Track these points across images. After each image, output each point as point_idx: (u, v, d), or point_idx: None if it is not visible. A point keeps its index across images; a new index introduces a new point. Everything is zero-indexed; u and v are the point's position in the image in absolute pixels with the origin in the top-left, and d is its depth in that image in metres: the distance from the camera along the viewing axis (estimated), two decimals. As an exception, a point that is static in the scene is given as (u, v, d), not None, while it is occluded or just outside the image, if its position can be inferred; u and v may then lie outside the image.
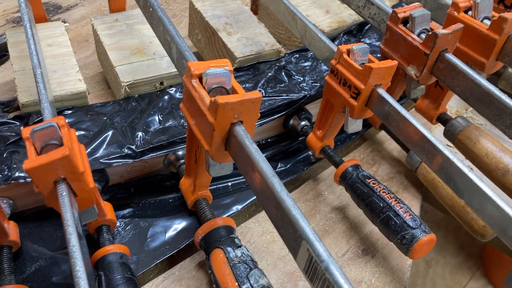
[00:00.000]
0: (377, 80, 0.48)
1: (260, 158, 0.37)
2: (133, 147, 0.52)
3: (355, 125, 0.52)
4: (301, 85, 0.62)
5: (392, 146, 0.66)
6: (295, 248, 0.32)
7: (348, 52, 0.49)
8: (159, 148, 0.53)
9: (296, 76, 0.64)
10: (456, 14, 0.54)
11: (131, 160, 0.51)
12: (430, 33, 0.50)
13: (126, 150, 0.51)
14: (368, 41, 0.70)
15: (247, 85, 0.62)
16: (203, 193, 0.51)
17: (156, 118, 0.56)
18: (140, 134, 0.53)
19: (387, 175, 0.62)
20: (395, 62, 0.48)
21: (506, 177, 0.55)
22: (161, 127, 0.55)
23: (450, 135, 0.61)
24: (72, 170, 0.36)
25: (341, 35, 0.71)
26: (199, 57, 0.77)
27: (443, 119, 0.63)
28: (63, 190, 0.35)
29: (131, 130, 0.54)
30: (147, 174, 0.56)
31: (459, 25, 0.51)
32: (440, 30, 0.49)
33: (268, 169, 0.36)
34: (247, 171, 0.38)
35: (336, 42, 0.69)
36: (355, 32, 0.72)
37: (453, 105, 0.76)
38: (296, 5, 0.75)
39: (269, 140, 0.63)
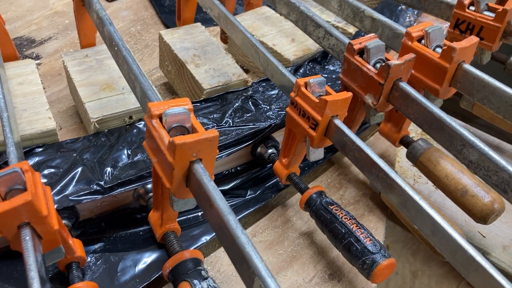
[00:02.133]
0: (333, 112, 0.50)
1: (217, 196, 0.38)
2: (102, 183, 0.53)
3: (316, 154, 0.54)
4: (267, 113, 0.64)
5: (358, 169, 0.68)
6: (249, 283, 0.34)
7: (306, 85, 0.51)
8: (127, 183, 0.54)
9: (262, 105, 0.66)
10: (409, 43, 0.56)
11: (100, 196, 0.52)
12: (383, 64, 0.52)
13: (94, 186, 0.53)
14: (332, 68, 0.73)
15: (215, 115, 0.64)
16: (171, 226, 0.52)
17: (125, 152, 0.57)
18: (108, 169, 0.55)
19: (353, 198, 0.63)
20: (349, 94, 0.50)
21: (465, 198, 0.58)
22: (129, 161, 0.56)
23: (412, 157, 0.64)
24: (36, 214, 0.37)
25: (306, 63, 0.73)
26: (170, 88, 0.78)
27: (405, 142, 0.65)
28: (26, 235, 0.37)
29: (100, 166, 0.55)
30: (118, 208, 0.58)
31: (411, 55, 0.53)
32: (392, 61, 0.52)
33: (224, 206, 0.37)
34: (205, 207, 0.39)
35: (301, 70, 0.72)
36: (319, 59, 0.74)
37: (419, 125, 0.79)
38: (262, 34, 0.77)
39: (238, 168, 0.65)
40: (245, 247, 0.34)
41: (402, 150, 0.73)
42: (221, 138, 0.60)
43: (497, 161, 0.45)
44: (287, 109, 0.54)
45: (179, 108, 0.43)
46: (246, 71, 0.82)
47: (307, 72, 0.72)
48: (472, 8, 0.66)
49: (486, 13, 0.65)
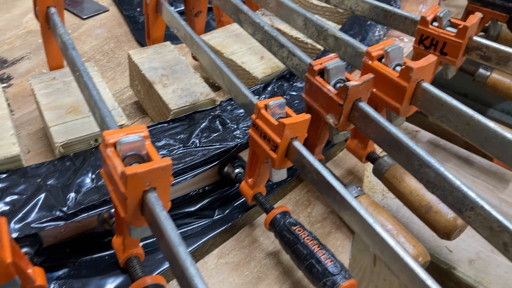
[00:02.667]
0: (292, 134, 0.50)
1: (168, 226, 0.38)
2: (65, 209, 0.53)
3: (279, 175, 0.54)
4: (234, 133, 0.64)
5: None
6: (197, 315, 0.34)
7: (266, 107, 0.52)
8: (91, 208, 0.54)
9: (230, 124, 0.66)
10: (370, 62, 0.57)
11: (62, 223, 0.52)
12: (342, 85, 0.52)
13: (57, 213, 0.52)
14: (300, 85, 0.73)
15: (182, 136, 0.64)
16: (134, 251, 0.52)
17: (90, 176, 0.57)
18: (72, 195, 0.55)
19: (321, 216, 0.64)
20: (307, 117, 0.50)
21: (429, 214, 0.58)
22: (94, 186, 0.56)
23: (378, 173, 0.64)
24: (-15, 250, 0.37)
25: (275, 80, 0.74)
26: (141, 107, 0.78)
27: (372, 158, 0.65)
28: (-25, 271, 0.36)
29: (63, 191, 0.55)
30: (83, 232, 0.58)
31: (369, 76, 0.54)
32: (350, 82, 0.52)
33: (174, 237, 0.37)
34: (158, 237, 0.40)
35: (269, 88, 0.72)
36: (288, 76, 0.75)
37: (389, 139, 0.79)
38: (232, 52, 0.78)
39: (206, 188, 0.65)
40: (193, 279, 0.34)
41: (371, 165, 0.74)
42: (186, 159, 0.61)
43: (451, 181, 0.45)
44: (249, 130, 0.54)
45: (134, 136, 0.43)
46: (218, 88, 0.82)
47: (275, 89, 0.72)
48: (435, 24, 0.66)
49: (449, 28, 0.66)
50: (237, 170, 0.63)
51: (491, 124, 0.49)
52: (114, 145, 0.43)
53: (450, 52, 0.65)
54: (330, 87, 0.55)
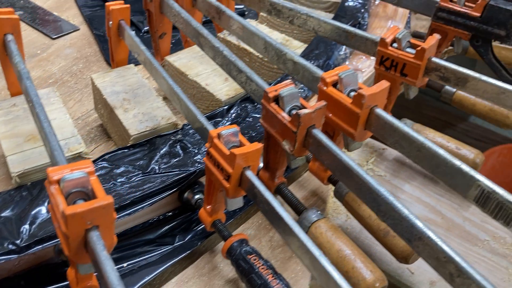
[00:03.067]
0: (245, 163, 0.50)
1: (108, 267, 0.38)
2: (18, 241, 0.52)
3: (234, 203, 0.54)
4: (195, 158, 0.64)
5: (289, 208, 0.68)
6: None
7: (219, 136, 0.52)
8: (46, 240, 0.54)
9: (191, 149, 0.66)
10: (324, 88, 0.57)
11: (15, 256, 0.52)
12: (294, 113, 0.53)
13: (9, 246, 0.52)
14: None
15: (141, 162, 0.64)
16: (88, 283, 0.51)
17: (46, 207, 0.57)
18: (26, 226, 0.54)
19: (282, 240, 0.64)
20: (259, 146, 0.50)
21: (387, 238, 0.58)
22: (49, 216, 0.56)
23: (339, 196, 0.64)
24: None
25: (238, 102, 0.73)
26: (104, 130, 0.78)
27: (333, 180, 0.66)
28: None
29: (17, 223, 0.54)
30: (39, 264, 0.57)
31: (321, 103, 0.54)
32: (303, 110, 0.52)
33: (113, 278, 0.37)
34: (99, 276, 0.39)
35: (232, 110, 0.72)
36: (252, 98, 0.75)
37: (355, 157, 0.80)
38: (196, 74, 0.78)
39: (167, 214, 0.65)
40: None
41: (337, 185, 0.74)
42: (145, 186, 0.60)
43: (400, 210, 0.46)
44: (204, 159, 0.54)
45: (78, 172, 0.43)
46: (185, 109, 0.82)
47: (239, 111, 0.72)
48: (395, 45, 0.67)
49: (408, 50, 0.66)
50: (197, 196, 0.63)
51: (441, 151, 0.49)
52: (58, 182, 0.43)
53: (410, 73, 0.66)
54: (285, 114, 0.55)
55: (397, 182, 0.76)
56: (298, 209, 0.62)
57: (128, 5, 0.73)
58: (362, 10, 0.97)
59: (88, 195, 0.43)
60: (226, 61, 0.64)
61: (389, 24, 0.98)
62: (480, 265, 0.65)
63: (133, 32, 0.71)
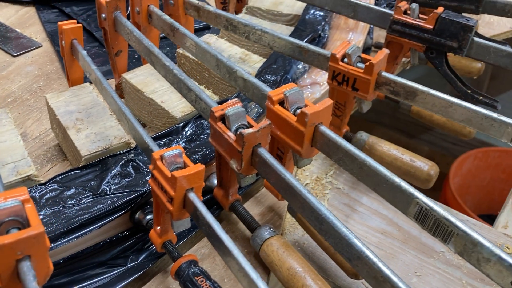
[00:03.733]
0: (188, 185, 0.50)
1: (35, 299, 0.37)
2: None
3: (180, 225, 0.54)
4: (147, 177, 0.64)
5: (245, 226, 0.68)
6: None
7: (162, 158, 0.51)
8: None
9: (143, 168, 0.65)
10: (271, 106, 0.57)
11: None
12: (238, 133, 0.53)
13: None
14: None
15: (92, 183, 0.63)
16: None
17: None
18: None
19: (236, 258, 0.63)
20: (201, 167, 0.50)
21: (337, 255, 0.58)
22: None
23: (292, 212, 0.65)
24: None
25: (194, 119, 0.73)
26: (61, 150, 0.77)
27: (287, 197, 0.66)
28: None
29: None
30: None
31: (265, 122, 0.54)
32: (247, 130, 0.52)
33: (39, 311, 0.36)
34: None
35: (187, 128, 0.72)
36: (207, 114, 0.75)
37: (315, 170, 0.80)
38: (153, 90, 0.77)
39: (120, 235, 0.64)
40: None
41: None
42: (94, 208, 0.60)
43: (339, 230, 0.46)
44: (149, 180, 0.54)
45: (11, 201, 0.42)
46: (144, 125, 0.82)
47: (194, 128, 0.72)
48: (346, 60, 0.67)
49: (359, 64, 0.66)
50: (148, 217, 0.62)
51: (381, 168, 0.49)
52: (-10, 211, 0.42)
53: (361, 87, 0.66)
54: (230, 134, 0.55)
55: (355, 195, 0.77)
56: (251, 226, 0.62)
57: (80, 25, 0.73)
58: (323, 23, 0.98)
59: (23, 224, 0.42)
60: (176, 79, 0.64)
61: (350, 36, 0.98)
62: (435, 277, 0.65)
63: (85, 52, 0.70)
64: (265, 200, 0.73)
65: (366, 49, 1.04)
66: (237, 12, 1.08)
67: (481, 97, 0.79)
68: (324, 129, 0.54)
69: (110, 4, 0.74)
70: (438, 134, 2.45)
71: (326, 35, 0.96)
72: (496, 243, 0.69)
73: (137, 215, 0.63)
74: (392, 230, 0.71)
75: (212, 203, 0.69)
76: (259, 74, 0.82)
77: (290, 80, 0.83)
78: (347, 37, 0.98)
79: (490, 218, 1.96)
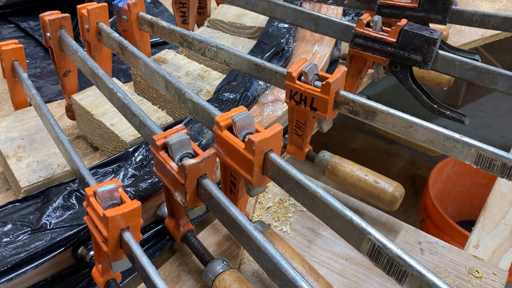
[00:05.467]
0: (122, 224, 0.45)
1: None
2: None
3: (119, 265, 0.49)
4: (92, 209, 0.59)
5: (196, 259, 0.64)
6: None
7: (95, 194, 0.47)
8: None
9: (89, 199, 0.61)
10: (219, 132, 0.53)
11: None
12: (179, 164, 0.49)
13: None
14: None
15: (31, 217, 0.58)
16: None
17: None
18: None
19: (186, 295, 0.59)
20: (137, 205, 0.46)
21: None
22: None
23: (248, 243, 0.60)
24: None
25: (144, 143, 0.69)
26: (5, 179, 0.72)
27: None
28: None
29: None
30: None
31: (210, 152, 0.50)
32: (189, 161, 0.48)
33: None
34: None
35: (137, 152, 0.67)
36: (160, 137, 0.70)
37: (278, 191, 0.76)
38: (103, 113, 0.73)
39: (62, 272, 0.59)
40: None
41: (256, 225, 0.70)
42: (31, 246, 0.55)
43: (286, 271, 0.42)
44: (85, 218, 0.49)
45: None
46: (96, 148, 0.77)
47: (145, 153, 0.67)
48: (303, 78, 0.64)
49: (317, 83, 0.63)
50: (92, 253, 0.58)
51: (332, 201, 0.46)
52: None
53: (319, 107, 0.63)
54: (173, 164, 0.51)
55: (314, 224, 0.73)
56: (204, 259, 0.58)
57: (21, 46, 0.68)
58: (287, 35, 0.94)
59: None
60: (121, 103, 0.60)
61: (315, 49, 0.95)
62: (401, 306, 0.62)
63: (25, 75, 0.66)
64: (222, 227, 0.69)
65: (334, 61, 1.01)
66: (199, 25, 1.04)
67: (448, 112, 0.76)
68: (274, 157, 0.51)
69: (54, 23, 0.70)
70: (417, 140, 2.43)
71: (291, 48, 0.92)
72: (465, 267, 0.66)
73: (79, 251, 0.58)
74: (356, 255, 0.67)
75: (165, 233, 0.65)
76: (218, 92, 0.78)
77: (251, 97, 0.79)
78: (313, 49, 0.95)
79: (471, 224, 1.95)
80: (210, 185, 0.49)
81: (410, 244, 0.69)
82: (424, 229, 1.90)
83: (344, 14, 1.13)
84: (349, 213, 0.44)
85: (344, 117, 0.70)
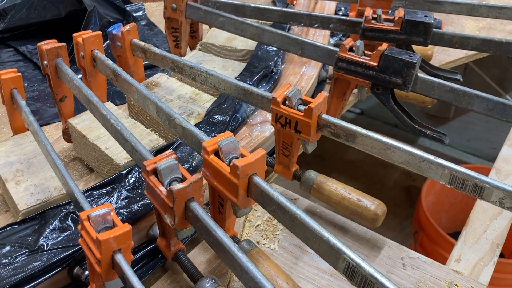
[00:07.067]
0: (114, 246, 0.48)
1: None
2: None
3: (112, 285, 0.52)
4: (87, 230, 0.62)
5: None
6: None
7: (88, 218, 0.50)
8: None
9: (84, 220, 0.64)
10: (206, 157, 0.56)
11: None
12: (168, 189, 0.52)
13: None
14: None
15: (29, 238, 0.61)
16: None
17: None
18: None
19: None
20: (127, 228, 0.49)
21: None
22: None
23: (236, 261, 0.63)
24: None
25: (137, 165, 0.72)
26: (4, 201, 0.75)
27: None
28: None
29: None
30: None
31: (197, 176, 0.53)
32: (176, 186, 0.52)
33: None
34: None
35: (130, 175, 0.70)
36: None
37: (260, 213, 0.79)
38: (98, 136, 0.76)
39: (59, 292, 0.62)
40: None
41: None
42: (29, 267, 0.58)
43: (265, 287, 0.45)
44: (79, 240, 0.52)
45: None
46: (92, 170, 0.80)
47: (138, 175, 0.71)
48: (287, 103, 0.67)
49: (300, 107, 0.66)
50: (87, 272, 0.60)
51: (311, 222, 0.49)
52: None
53: (303, 130, 0.66)
54: (162, 188, 0.54)
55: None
56: (194, 277, 0.61)
57: (19, 74, 0.72)
58: (276, 58, 0.98)
59: None
60: (114, 130, 0.63)
61: (303, 70, 0.99)
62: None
63: (23, 102, 0.69)
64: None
65: (321, 81, 1.04)
66: (192, 47, 1.08)
67: (428, 132, 0.79)
68: (258, 180, 0.54)
69: (50, 52, 0.73)
70: (411, 152, 2.46)
71: (279, 70, 0.96)
72: (446, 281, 0.69)
73: (75, 271, 0.61)
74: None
75: (157, 252, 0.67)
76: (208, 114, 0.81)
77: (240, 119, 0.83)
78: (301, 71, 0.99)
79: (464, 236, 1.97)
80: (197, 208, 0.52)
81: (393, 260, 0.72)
82: (418, 241, 1.93)
83: (332, 35, 1.17)
84: (326, 234, 0.47)
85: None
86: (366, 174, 2.48)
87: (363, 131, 0.63)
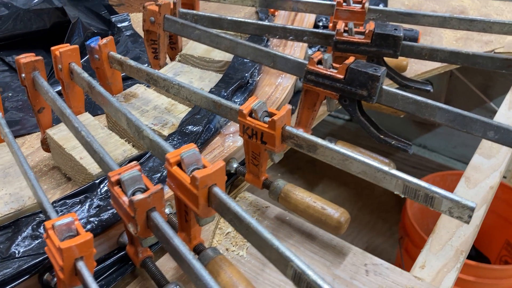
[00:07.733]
0: (76, 255, 0.51)
1: None
2: None
3: (78, 292, 0.55)
4: (58, 238, 0.65)
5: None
6: None
7: (53, 227, 0.53)
8: None
9: (56, 228, 0.66)
10: (169, 168, 0.59)
11: None
12: (129, 198, 0.54)
13: None
14: (151, 164, 0.75)
15: (2, 246, 0.64)
16: None
17: None
18: None
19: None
20: (88, 237, 0.51)
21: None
22: None
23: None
24: None
25: (112, 174, 0.75)
26: (-19, 209, 0.78)
27: (198, 250, 0.67)
28: None
29: None
30: None
31: (158, 187, 0.56)
32: (137, 196, 0.54)
33: None
34: None
35: (103, 184, 0.73)
36: (142, 161, 0.76)
37: (238, 218, 0.81)
38: (73, 146, 0.79)
39: (30, 298, 0.65)
40: None
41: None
42: None
43: (218, 296, 0.47)
44: (45, 248, 0.55)
45: None
46: (69, 179, 0.83)
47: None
48: (254, 115, 0.70)
49: (266, 119, 0.69)
50: (56, 279, 0.63)
51: (262, 231, 0.51)
52: None
53: (268, 141, 0.69)
54: (125, 198, 0.56)
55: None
56: (160, 283, 0.63)
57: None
58: (252, 69, 1.00)
59: None
60: (84, 141, 0.66)
61: (279, 81, 1.01)
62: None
63: (-1, 114, 0.72)
64: (183, 252, 0.74)
65: (298, 92, 1.07)
66: (171, 58, 1.10)
67: (393, 142, 0.82)
68: (217, 190, 0.56)
69: (27, 65, 0.76)
70: (399, 158, 2.50)
71: (255, 81, 0.99)
72: (406, 287, 0.71)
73: (45, 277, 0.64)
74: (307, 277, 0.73)
75: (127, 259, 0.70)
76: (182, 125, 0.84)
77: (213, 129, 0.85)
78: (276, 81, 1.02)
79: (450, 241, 1.99)
80: (157, 217, 0.55)
81: (357, 266, 0.74)
82: (403, 247, 1.95)
83: (311, 46, 1.20)
84: (276, 242, 0.50)
85: (333, 135, 0.76)
86: (356, 180, 2.50)
87: (323, 142, 0.66)
